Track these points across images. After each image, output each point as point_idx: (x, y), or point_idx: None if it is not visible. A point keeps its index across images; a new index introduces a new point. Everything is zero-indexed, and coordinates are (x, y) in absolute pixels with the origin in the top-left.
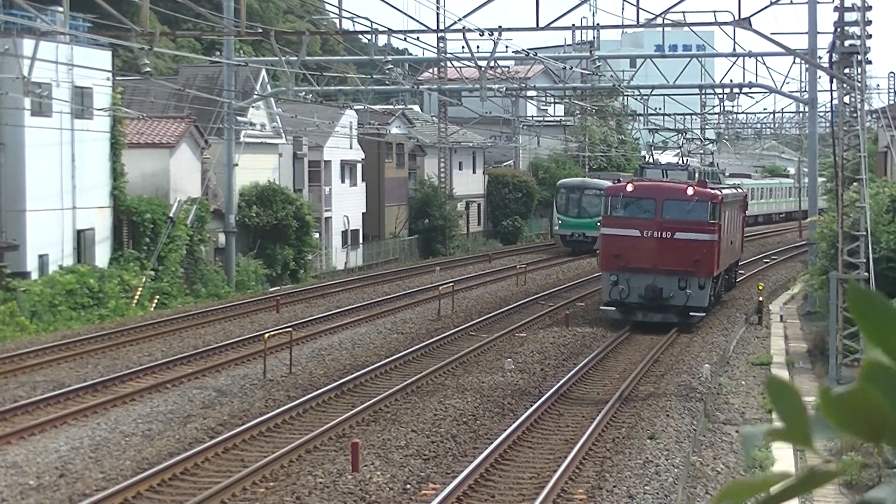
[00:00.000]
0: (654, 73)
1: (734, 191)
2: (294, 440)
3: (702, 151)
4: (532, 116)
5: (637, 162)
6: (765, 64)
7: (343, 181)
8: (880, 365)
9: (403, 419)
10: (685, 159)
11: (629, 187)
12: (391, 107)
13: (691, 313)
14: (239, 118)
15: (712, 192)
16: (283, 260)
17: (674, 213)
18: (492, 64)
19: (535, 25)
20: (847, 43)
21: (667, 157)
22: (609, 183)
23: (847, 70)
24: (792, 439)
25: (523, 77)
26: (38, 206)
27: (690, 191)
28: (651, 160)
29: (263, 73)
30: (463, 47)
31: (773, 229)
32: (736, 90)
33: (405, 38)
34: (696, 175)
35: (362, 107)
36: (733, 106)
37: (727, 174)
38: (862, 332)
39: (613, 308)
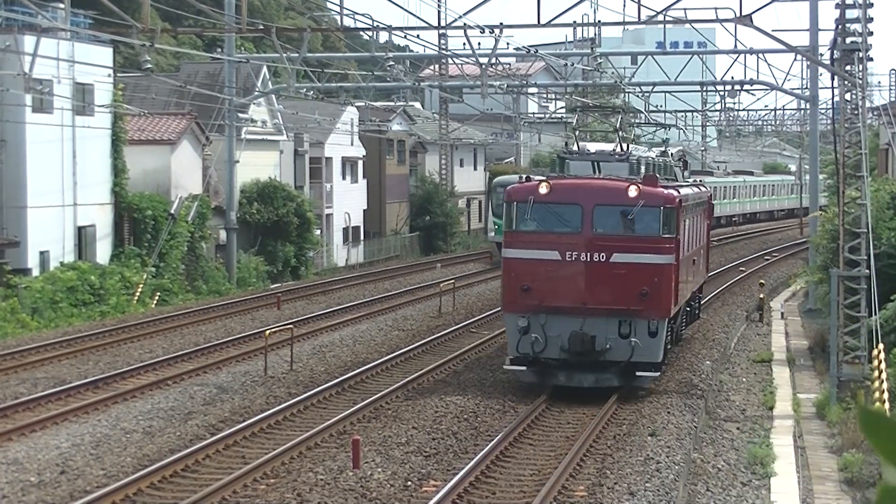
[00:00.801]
0: (655, 70)
1: (696, 190)
2: (295, 437)
3: (660, 140)
4: (533, 113)
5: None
6: (766, 61)
7: (344, 178)
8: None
9: (404, 416)
10: (626, 146)
11: (543, 188)
12: (392, 103)
13: (638, 373)
14: (240, 115)
15: (666, 192)
16: (284, 257)
17: (610, 225)
18: (493, 61)
19: (536, 22)
20: (848, 40)
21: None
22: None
23: (848, 67)
24: None
25: (524, 74)
26: (39, 203)
27: (633, 191)
28: (576, 147)
29: (265, 69)
30: (464, 44)
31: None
32: (737, 87)
33: (406, 35)
34: (643, 168)
35: (363, 103)
36: (734, 103)
37: (688, 172)
38: (876, 451)
39: (524, 367)
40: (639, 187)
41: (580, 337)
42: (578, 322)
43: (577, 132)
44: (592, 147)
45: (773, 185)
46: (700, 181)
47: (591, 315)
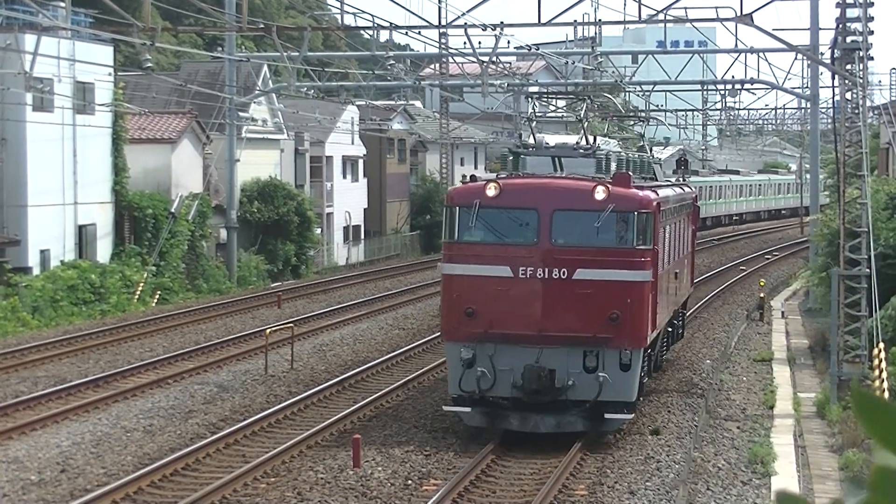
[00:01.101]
0: (655, 70)
1: (678, 190)
2: (295, 436)
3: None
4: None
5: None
6: (767, 60)
7: (344, 177)
8: (890, 471)
9: (405, 415)
10: (592, 139)
11: (490, 189)
12: (393, 102)
13: (607, 415)
14: (240, 114)
15: (641, 194)
16: (285, 255)
17: (572, 235)
18: (493, 59)
19: (536, 21)
20: (849, 39)
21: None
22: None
23: (849, 66)
24: None
25: (525, 73)
26: (40, 202)
27: (601, 193)
28: (533, 140)
29: (265, 68)
30: (465, 43)
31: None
32: (738, 86)
33: (407, 34)
34: (614, 164)
35: (364, 102)
36: (735, 102)
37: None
38: (869, 434)
39: (468, 409)
40: (607, 188)
41: (536, 371)
42: (534, 353)
43: (533, 123)
44: (552, 140)
45: (760, 185)
46: (682, 180)
47: (550, 344)
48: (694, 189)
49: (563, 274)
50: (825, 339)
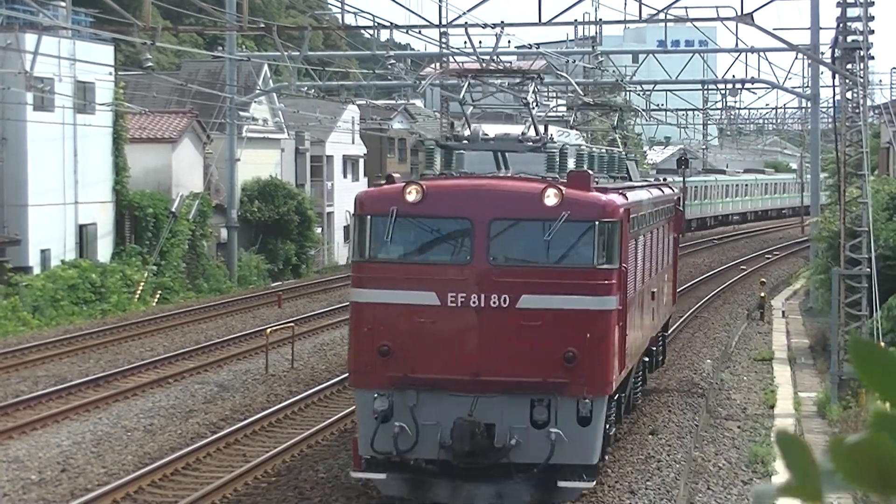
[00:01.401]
0: (656, 69)
1: (657, 192)
2: (296, 435)
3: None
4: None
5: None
6: (767, 59)
7: (345, 176)
8: (888, 414)
9: None
10: (543, 128)
11: (411, 193)
12: (393, 102)
13: (561, 483)
14: (241, 113)
15: (604, 198)
16: (285, 255)
17: (516, 251)
18: (494, 59)
19: (537, 21)
20: (849, 38)
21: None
22: None
23: (849, 65)
24: (804, 495)
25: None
26: (41, 201)
27: (552, 197)
28: (467, 131)
29: (265, 68)
30: (465, 42)
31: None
32: (738, 86)
33: (407, 33)
34: (570, 161)
35: (364, 102)
36: (735, 101)
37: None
38: (864, 382)
39: (383, 475)
40: (560, 190)
41: (470, 427)
42: (467, 403)
43: (468, 108)
44: (492, 130)
45: (747, 185)
46: (665, 179)
47: (488, 392)
48: (676, 190)
49: (505, 301)
50: (825, 338)
